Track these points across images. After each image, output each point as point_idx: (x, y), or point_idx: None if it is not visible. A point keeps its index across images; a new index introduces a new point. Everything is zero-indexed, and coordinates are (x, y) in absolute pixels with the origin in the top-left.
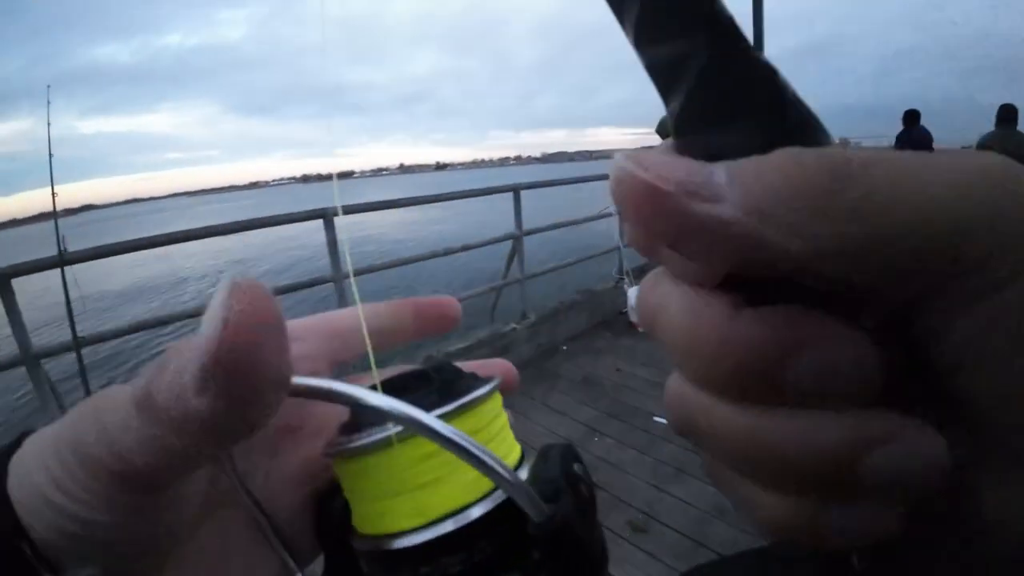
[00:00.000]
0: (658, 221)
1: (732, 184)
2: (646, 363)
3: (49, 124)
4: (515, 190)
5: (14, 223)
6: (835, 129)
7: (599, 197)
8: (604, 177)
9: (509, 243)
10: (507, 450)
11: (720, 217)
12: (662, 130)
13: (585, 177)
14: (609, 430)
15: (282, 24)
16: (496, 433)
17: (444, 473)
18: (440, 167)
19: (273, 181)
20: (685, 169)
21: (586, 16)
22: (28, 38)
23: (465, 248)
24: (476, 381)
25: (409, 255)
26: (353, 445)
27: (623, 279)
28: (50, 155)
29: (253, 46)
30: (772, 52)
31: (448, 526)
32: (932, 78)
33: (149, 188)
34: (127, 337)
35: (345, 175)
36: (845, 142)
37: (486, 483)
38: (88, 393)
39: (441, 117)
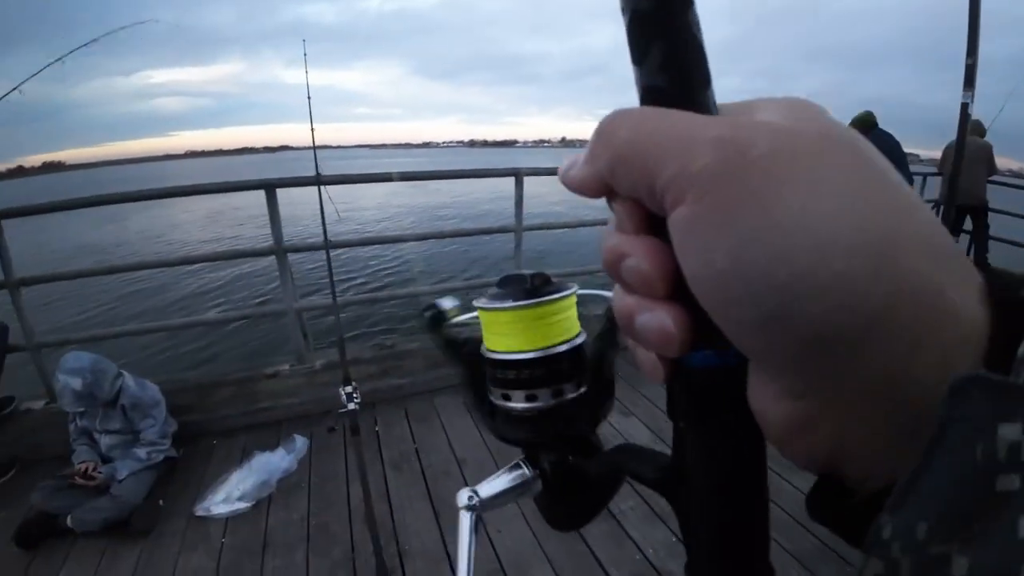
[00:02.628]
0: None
1: (581, 160)
2: None
3: (307, 71)
4: None
5: (220, 153)
6: None
7: None
8: None
9: None
10: (567, 328)
11: (568, 173)
12: (859, 124)
13: None
14: None
15: None
16: (560, 316)
17: (519, 332)
18: None
19: (443, 143)
20: (569, 159)
21: None
22: None
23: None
24: (553, 288)
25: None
26: (487, 305)
27: None
28: (309, 98)
29: (443, 13)
30: (991, 55)
31: (527, 354)
32: None
33: (337, 138)
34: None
35: (508, 143)
36: None
37: (547, 341)
38: (332, 284)
39: (612, 93)
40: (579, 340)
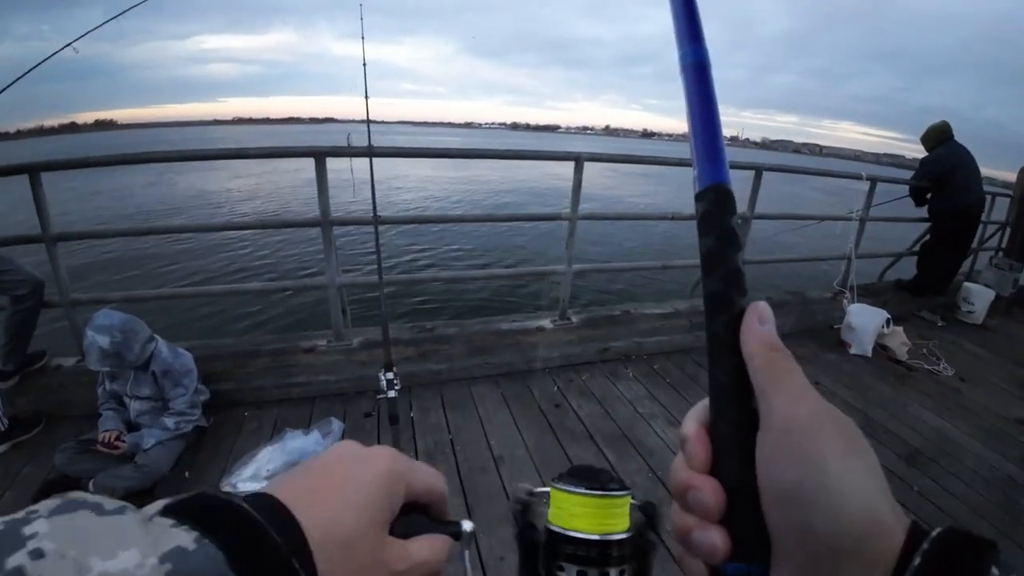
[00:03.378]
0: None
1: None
2: (849, 385)
3: (363, 37)
4: (757, 170)
5: (267, 121)
6: None
7: (843, 197)
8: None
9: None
10: (621, 521)
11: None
12: (926, 140)
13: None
14: None
15: None
16: (615, 510)
17: (585, 516)
18: (646, 135)
19: (485, 124)
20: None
21: None
22: None
23: (675, 217)
24: (616, 485)
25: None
26: (563, 487)
27: (845, 293)
28: (364, 66)
29: None
30: None
31: (587, 535)
32: None
33: (380, 113)
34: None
35: (551, 128)
36: None
37: (605, 528)
38: (379, 260)
39: (660, 82)
40: (627, 535)
